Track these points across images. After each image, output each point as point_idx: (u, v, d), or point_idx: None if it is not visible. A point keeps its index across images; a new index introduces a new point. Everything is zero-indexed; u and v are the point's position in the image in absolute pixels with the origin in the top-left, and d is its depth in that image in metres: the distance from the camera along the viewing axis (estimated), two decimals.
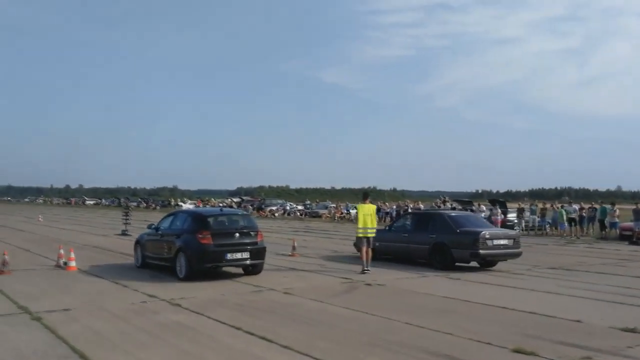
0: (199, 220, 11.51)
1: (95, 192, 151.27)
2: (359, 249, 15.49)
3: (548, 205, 30.48)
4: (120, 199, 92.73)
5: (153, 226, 12.99)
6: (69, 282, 10.63)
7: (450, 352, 5.85)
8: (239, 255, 11.05)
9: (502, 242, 13.26)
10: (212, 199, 66.04)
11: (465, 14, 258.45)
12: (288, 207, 54.26)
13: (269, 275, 11.69)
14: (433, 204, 40.67)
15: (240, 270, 11.92)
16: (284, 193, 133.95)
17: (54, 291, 9.65)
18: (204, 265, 10.92)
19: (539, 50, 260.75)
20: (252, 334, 6.59)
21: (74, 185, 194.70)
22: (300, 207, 54.04)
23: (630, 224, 24.44)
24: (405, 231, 14.47)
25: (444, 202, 39.98)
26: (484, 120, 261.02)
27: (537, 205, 30.99)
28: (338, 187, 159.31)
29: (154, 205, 72.59)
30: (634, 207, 24.66)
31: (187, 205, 56.06)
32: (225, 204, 49.58)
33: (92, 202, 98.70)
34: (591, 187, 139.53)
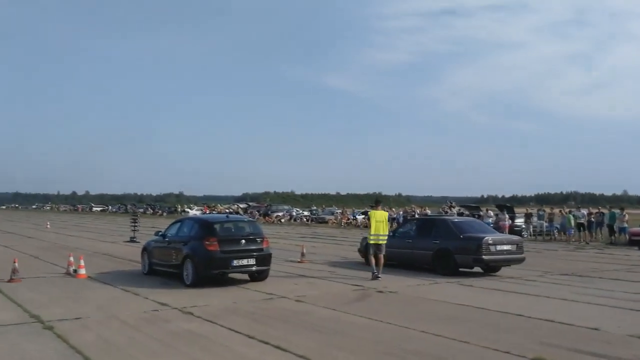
0: (205, 227, 11.56)
1: (102, 199, 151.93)
2: (364, 255, 15.56)
3: (556, 211, 30.29)
4: (126, 205, 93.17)
5: (160, 233, 13.05)
6: (80, 290, 10.58)
7: None
8: (245, 262, 11.10)
9: (505, 247, 13.29)
10: (219, 205, 66.12)
11: (470, 18, 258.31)
12: (294, 213, 54.21)
13: (280, 283, 11.61)
14: (440, 209, 40.43)
15: (246, 277, 11.93)
16: (289, 199, 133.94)
17: (65, 299, 9.61)
18: (211, 272, 10.97)
19: (545, 54, 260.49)
20: (266, 342, 6.51)
21: (80, 192, 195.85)
22: (306, 213, 54.01)
23: (639, 229, 24.25)
24: (409, 237, 14.42)
25: (451, 207, 39.78)
26: (489, 125, 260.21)
27: (544, 211, 30.77)
28: (343, 192, 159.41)
29: (160, 212, 72.73)
30: None
31: (194, 212, 56.21)
32: (231, 210, 49.61)
33: (99, 209, 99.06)
34: (597, 192, 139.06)
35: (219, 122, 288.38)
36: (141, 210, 71.71)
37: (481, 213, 32.71)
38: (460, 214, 30.84)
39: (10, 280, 11.43)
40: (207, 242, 10.89)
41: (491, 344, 6.44)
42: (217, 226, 11.53)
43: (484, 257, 12.67)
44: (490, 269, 13.44)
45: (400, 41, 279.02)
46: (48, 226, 37.78)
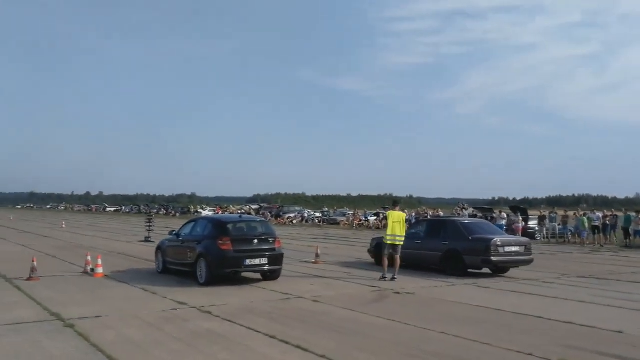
0: (219, 227, 11.69)
1: (115, 199, 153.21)
2: (374, 255, 15.65)
3: (570, 213, 30.00)
4: (140, 206, 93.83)
5: (174, 232, 13.23)
6: (98, 289, 10.66)
7: None
8: (257, 261, 11.24)
9: (514, 249, 13.35)
10: (231, 206, 66.37)
11: (483, 21, 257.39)
12: (306, 215, 54.20)
13: (296, 283, 11.63)
14: (453, 211, 40.26)
15: (259, 276, 12.05)
16: (300, 200, 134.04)
17: (84, 298, 9.68)
18: (224, 271, 11.12)
19: (558, 56, 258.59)
20: (286, 342, 6.51)
21: (94, 192, 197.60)
22: (318, 215, 54.00)
23: None
24: (418, 238, 14.42)
25: (463, 209, 39.59)
26: (501, 127, 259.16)
27: (556, 213, 30.52)
28: (354, 194, 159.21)
29: (173, 212, 73.11)
30: None
31: (207, 212, 56.41)
32: (244, 211, 49.77)
33: (112, 209, 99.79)
34: (609, 195, 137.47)
35: (230, 124, 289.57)
36: (154, 210, 72.17)
37: (494, 215, 32.49)
38: (473, 216, 30.69)
39: (29, 279, 11.55)
40: (220, 242, 11.04)
41: (512, 345, 6.39)
42: (230, 226, 11.67)
43: (492, 258, 12.74)
44: (499, 270, 13.48)
45: (413, 43, 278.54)
46: (63, 226, 38.15)
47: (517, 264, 13.60)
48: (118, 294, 10.10)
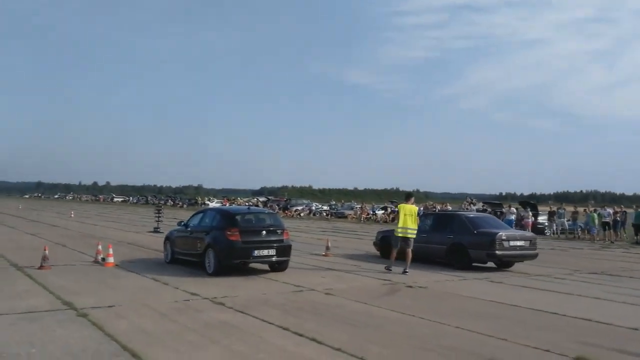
0: (227, 218, 11.78)
1: (122, 190, 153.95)
2: (379, 248, 15.68)
3: (580, 209, 29.82)
4: (147, 196, 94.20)
5: (182, 223, 13.31)
6: (109, 278, 10.67)
7: (509, 358, 5.64)
8: (265, 252, 11.31)
9: (519, 243, 13.46)
10: (238, 198, 66.49)
11: (491, 15, 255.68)
12: (313, 208, 54.21)
13: (307, 275, 11.61)
14: (462, 205, 40.12)
15: (266, 267, 12.13)
16: (307, 193, 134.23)
17: (96, 287, 9.68)
18: (232, 261, 11.20)
19: (567, 52, 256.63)
20: (300, 334, 6.47)
21: (101, 183, 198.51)
22: (325, 208, 54.00)
23: None
24: (424, 231, 14.36)
25: (471, 203, 39.46)
26: (509, 123, 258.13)
27: (564, 209, 30.35)
28: (361, 188, 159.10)
29: (181, 204, 73.37)
30: None
31: (214, 204, 56.51)
32: (251, 203, 49.82)
33: (120, 200, 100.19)
34: (617, 191, 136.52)
35: (236, 117, 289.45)
36: (162, 201, 72.48)
37: (504, 210, 32.36)
38: (483, 211, 30.56)
39: (41, 268, 11.57)
40: (228, 232, 11.14)
41: (529, 341, 6.33)
42: (238, 217, 11.77)
43: (497, 252, 12.85)
44: (504, 264, 13.56)
45: (420, 38, 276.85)
46: (72, 215, 38.32)
47: (521, 258, 13.69)
48: (130, 284, 10.10)
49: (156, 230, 23.33)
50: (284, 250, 11.65)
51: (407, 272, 11.99)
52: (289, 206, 53.73)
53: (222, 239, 11.17)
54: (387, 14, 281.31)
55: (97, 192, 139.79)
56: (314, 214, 50.48)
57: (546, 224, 30.76)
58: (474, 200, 43.45)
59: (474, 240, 13.20)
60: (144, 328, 6.74)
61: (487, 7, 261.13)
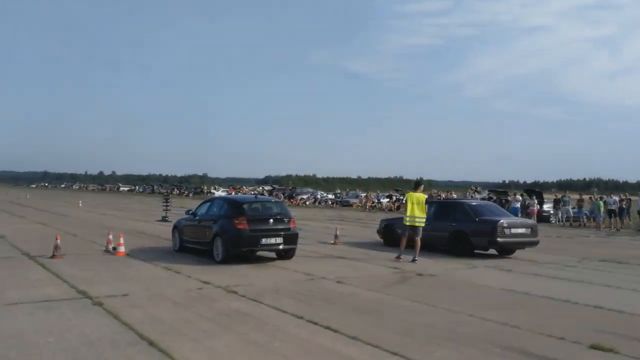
0: (235, 207, 11.91)
1: (128, 179, 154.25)
2: (382, 236, 15.87)
3: (586, 197, 29.77)
4: (153, 186, 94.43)
5: (190, 212, 13.43)
6: (121, 267, 10.73)
7: (526, 347, 5.65)
8: (272, 241, 11.44)
9: (520, 230, 13.60)
10: (244, 187, 66.61)
11: (494, 2, 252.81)
12: (319, 196, 54.28)
13: (317, 264, 11.66)
14: (467, 193, 40.04)
15: (273, 255, 12.22)
16: (311, 182, 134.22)
17: (108, 276, 9.73)
18: (240, 249, 11.33)
19: (570, 39, 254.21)
20: (315, 323, 6.50)
21: (107, 172, 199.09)
22: (330, 196, 54.08)
23: None
24: (426, 219, 14.35)
25: (476, 191, 39.39)
26: (512, 110, 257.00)
27: (569, 197, 30.29)
28: (364, 176, 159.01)
29: (187, 193, 73.57)
30: None
31: (220, 193, 56.65)
32: (257, 192, 49.93)
33: (126, 189, 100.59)
34: (621, 179, 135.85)
35: (240, 107, 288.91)
36: (164, 190, 72.65)
37: (509, 198, 32.29)
38: (489, 199, 30.52)
39: (53, 257, 11.64)
40: (236, 221, 11.26)
41: (543, 329, 6.33)
42: (246, 206, 11.93)
43: (498, 239, 13.00)
44: (505, 251, 13.75)
45: (423, 25, 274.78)
46: (80, 205, 38.49)
47: (522, 245, 13.81)
48: (142, 273, 10.16)
49: (164, 220, 23.42)
50: (291, 238, 11.76)
51: (416, 260, 12.01)
52: (294, 195, 53.82)
53: (230, 227, 11.29)
54: (390, 2, 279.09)
55: (103, 182, 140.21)
56: (319, 203, 50.56)
57: (551, 211, 30.71)
58: (478, 188, 43.35)
59: (476, 228, 13.35)
60: (159, 317, 6.78)
61: None
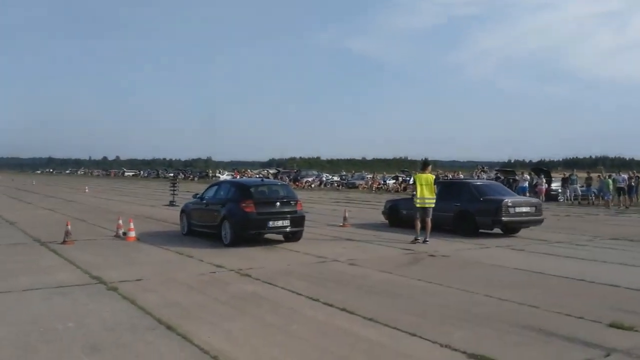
0: (242, 190, 12.02)
1: (132, 164, 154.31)
2: (387, 217, 16.02)
3: (594, 175, 29.63)
4: (158, 170, 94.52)
5: (198, 196, 13.52)
6: (133, 252, 10.75)
7: (544, 326, 5.62)
8: (280, 223, 11.52)
9: (524, 209, 13.74)
10: (249, 170, 66.59)
11: None
12: (324, 178, 54.24)
13: (328, 246, 11.66)
14: (474, 173, 39.95)
15: (280, 237, 12.28)
16: (315, 164, 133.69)
17: (121, 261, 9.75)
18: (248, 232, 11.43)
19: (575, 15, 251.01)
20: (331, 305, 6.49)
21: (111, 157, 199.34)
22: (336, 178, 54.01)
23: None
24: None
25: (483, 171, 39.29)
26: (516, 89, 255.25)
27: (576, 175, 30.15)
28: (369, 157, 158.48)
29: (192, 177, 73.63)
30: None
31: (225, 176, 56.65)
32: (262, 175, 49.92)
33: (131, 174, 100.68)
34: (627, 156, 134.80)
35: (243, 89, 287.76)
36: (171, 174, 72.75)
37: (517, 177, 32.19)
38: (496, 178, 30.41)
39: (64, 243, 11.66)
40: (243, 204, 11.34)
41: (561, 309, 6.30)
42: (253, 189, 12.04)
43: (502, 218, 13.10)
44: (510, 230, 13.79)
45: (425, 4, 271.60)
46: (86, 190, 38.59)
47: (527, 224, 13.88)
48: (154, 258, 10.17)
49: (172, 204, 23.45)
50: (298, 220, 11.86)
51: (427, 241, 11.98)
52: (299, 177, 53.82)
53: (238, 210, 11.36)
54: None
55: (108, 167, 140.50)
56: (325, 185, 50.54)
57: (559, 190, 30.61)
58: (485, 168, 43.24)
59: (481, 207, 13.43)
60: (174, 301, 6.78)
61: None
